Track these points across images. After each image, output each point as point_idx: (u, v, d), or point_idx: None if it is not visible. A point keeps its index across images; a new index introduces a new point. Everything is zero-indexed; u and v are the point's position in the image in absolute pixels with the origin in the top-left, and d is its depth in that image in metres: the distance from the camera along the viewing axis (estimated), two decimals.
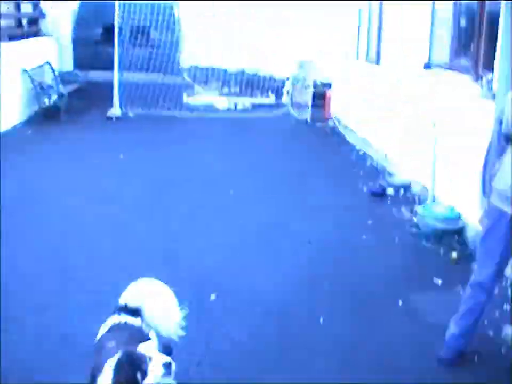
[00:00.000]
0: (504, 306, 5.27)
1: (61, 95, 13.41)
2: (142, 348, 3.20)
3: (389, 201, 8.22)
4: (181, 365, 3.41)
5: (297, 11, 15.53)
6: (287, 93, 15.68)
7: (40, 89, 13.14)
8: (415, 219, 7.29)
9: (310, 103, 14.16)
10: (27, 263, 5.93)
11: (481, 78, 6.49)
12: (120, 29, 14.15)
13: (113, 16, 13.95)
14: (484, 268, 4.27)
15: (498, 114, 4.13)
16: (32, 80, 13.01)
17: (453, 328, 4.41)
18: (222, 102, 15.49)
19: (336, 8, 13.75)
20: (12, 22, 14.55)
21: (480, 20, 6.71)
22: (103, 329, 3.58)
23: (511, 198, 3.96)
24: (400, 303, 5.32)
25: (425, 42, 8.32)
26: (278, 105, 15.55)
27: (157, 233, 6.88)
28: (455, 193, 7.10)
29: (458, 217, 6.87)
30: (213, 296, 5.31)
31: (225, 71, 16.28)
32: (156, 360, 3.16)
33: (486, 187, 4.21)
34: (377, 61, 10.63)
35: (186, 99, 15.32)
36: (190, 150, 10.99)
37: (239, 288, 5.54)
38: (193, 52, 16.09)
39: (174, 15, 15.52)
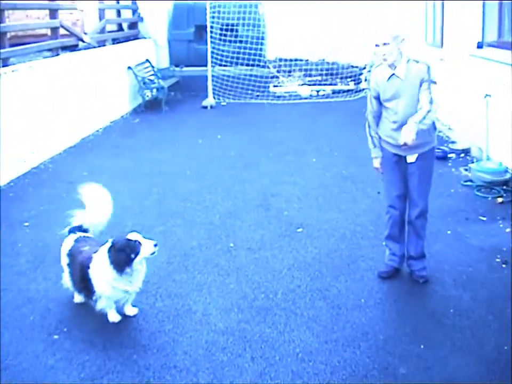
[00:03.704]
0: None
1: (161, 88, 15.06)
2: (131, 236, 4.65)
3: (449, 164, 9.45)
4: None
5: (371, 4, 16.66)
6: (365, 79, 16.71)
7: (143, 84, 14.88)
8: (469, 174, 8.55)
9: None
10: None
11: None
12: (211, 27, 15.74)
13: (205, 16, 15.56)
14: (390, 194, 5.65)
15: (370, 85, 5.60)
16: (136, 76, 14.75)
17: (388, 249, 5.79)
18: (304, 90, 16.65)
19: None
20: (115, 27, 16.41)
21: None
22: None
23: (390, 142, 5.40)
24: (449, 232, 6.65)
25: (478, 27, 9.49)
26: (356, 90, 16.45)
27: (254, 186, 8.55)
28: (504, 152, 8.32)
29: (505, 170, 8.12)
30: (299, 229, 6.87)
31: (306, 61, 17.48)
32: (146, 242, 4.62)
33: (374, 140, 5.59)
34: (441, 44, 11.72)
35: (272, 88, 16.72)
36: (277, 129, 12.47)
37: (318, 223, 7.06)
38: (277, 45, 17.56)
39: (258, 13, 16.97)
